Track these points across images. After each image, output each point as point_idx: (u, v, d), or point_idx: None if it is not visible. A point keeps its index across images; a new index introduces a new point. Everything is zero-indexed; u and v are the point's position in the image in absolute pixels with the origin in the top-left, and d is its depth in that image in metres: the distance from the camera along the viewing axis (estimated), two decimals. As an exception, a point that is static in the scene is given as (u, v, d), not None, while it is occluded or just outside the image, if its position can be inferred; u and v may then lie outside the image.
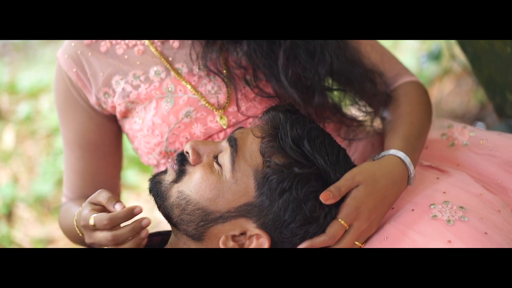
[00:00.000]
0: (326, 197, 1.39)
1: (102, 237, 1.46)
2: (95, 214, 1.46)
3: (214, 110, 1.74)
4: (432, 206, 1.44)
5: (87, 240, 1.50)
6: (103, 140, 1.83)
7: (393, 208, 1.49)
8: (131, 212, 1.45)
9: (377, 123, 1.83)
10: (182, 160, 1.51)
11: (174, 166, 1.51)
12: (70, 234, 1.79)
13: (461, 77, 3.25)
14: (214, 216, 1.43)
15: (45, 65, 4.49)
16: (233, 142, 1.45)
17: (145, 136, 1.76)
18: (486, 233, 1.38)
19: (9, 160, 3.68)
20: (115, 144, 1.88)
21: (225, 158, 1.44)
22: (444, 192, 1.47)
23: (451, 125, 1.75)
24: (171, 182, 1.50)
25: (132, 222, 1.45)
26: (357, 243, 1.43)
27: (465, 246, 1.34)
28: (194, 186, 1.45)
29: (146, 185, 3.55)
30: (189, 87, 1.73)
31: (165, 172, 1.54)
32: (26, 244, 3.19)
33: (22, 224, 3.31)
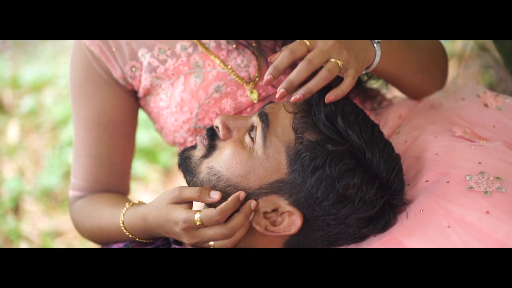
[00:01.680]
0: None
1: (215, 233, 1.40)
2: (198, 212, 1.40)
3: (245, 84, 1.71)
4: (467, 177, 1.42)
5: (190, 241, 1.43)
6: (123, 118, 1.79)
7: (427, 181, 1.47)
8: (238, 200, 1.39)
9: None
10: (212, 135, 1.49)
11: (204, 141, 1.49)
12: (99, 234, 1.71)
13: (468, 60, 3.24)
14: (245, 193, 1.41)
15: (46, 59, 4.49)
16: (264, 117, 1.43)
17: (173, 114, 1.74)
18: None
19: (14, 154, 3.67)
20: (133, 125, 1.84)
21: (256, 134, 1.42)
22: (480, 163, 1.45)
23: (485, 91, 1.73)
24: (201, 157, 1.48)
25: (242, 208, 1.40)
26: (338, 62, 1.39)
27: (504, 216, 1.33)
28: (224, 162, 1.43)
29: (153, 176, 3.57)
30: (217, 61, 1.70)
31: (194, 147, 1.52)
32: (35, 238, 3.17)
33: (29, 218, 3.29)
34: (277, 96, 1.36)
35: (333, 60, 1.38)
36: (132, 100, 1.80)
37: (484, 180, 1.40)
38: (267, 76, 1.37)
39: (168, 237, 1.54)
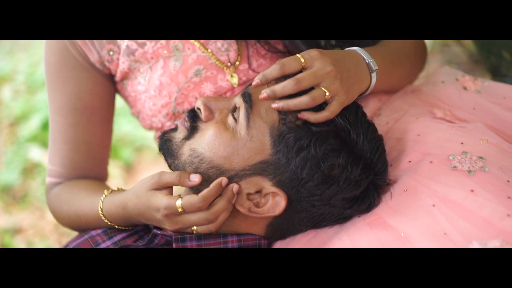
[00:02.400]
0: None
1: (198, 219, 1.39)
2: (180, 199, 1.38)
3: (225, 68, 1.70)
4: (451, 157, 1.43)
5: (172, 227, 1.42)
6: (100, 103, 1.76)
7: (410, 161, 1.48)
8: (220, 186, 1.38)
9: None
10: (193, 116, 1.48)
11: (185, 123, 1.48)
12: (78, 220, 1.68)
13: (431, 55, 3.28)
14: (228, 174, 1.40)
15: (4, 55, 4.41)
16: (248, 98, 1.41)
17: (151, 98, 1.72)
18: (508, 181, 1.38)
19: (-29, 150, 3.61)
20: (110, 110, 1.81)
21: (240, 114, 1.41)
22: (462, 143, 1.47)
23: (463, 75, 1.75)
24: (183, 139, 1.47)
25: (224, 193, 1.40)
26: (326, 91, 1.36)
27: (488, 194, 1.34)
28: (207, 144, 1.42)
29: (115, 172, 3.53)
30: (197, 45, 1.69)
31: (175, 129, 1.51)
32: (-7, 234, 3.12)
33: (-12, 214, 3.24)
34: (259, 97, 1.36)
35: (322, 88, 1.36)
36: (109, 84, 1.77)
37: (467, 159, 1.42)
38: (255, 81, 1.37)
39: (149, 224, 1.53)
